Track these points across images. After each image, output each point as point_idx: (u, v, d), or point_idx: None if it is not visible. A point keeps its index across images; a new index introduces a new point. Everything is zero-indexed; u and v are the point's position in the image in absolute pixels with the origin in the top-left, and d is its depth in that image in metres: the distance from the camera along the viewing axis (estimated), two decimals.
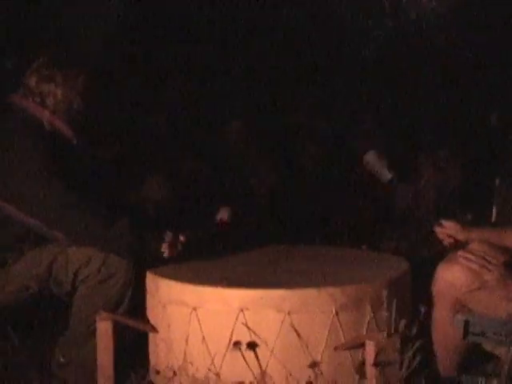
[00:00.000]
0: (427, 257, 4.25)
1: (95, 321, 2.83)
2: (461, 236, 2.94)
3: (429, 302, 2.81)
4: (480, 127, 6.89)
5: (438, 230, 3.00)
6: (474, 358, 2.80)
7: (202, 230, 3.24)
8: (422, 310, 2.65)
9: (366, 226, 5.06)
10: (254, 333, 2.58)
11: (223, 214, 3.34)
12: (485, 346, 2.72)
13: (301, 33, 8.07)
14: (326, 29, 8.56)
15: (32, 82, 2.99)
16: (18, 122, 2.94)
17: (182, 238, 2.95)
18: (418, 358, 2.55)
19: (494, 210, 4.02)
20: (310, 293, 2.60)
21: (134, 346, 2.96)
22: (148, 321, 2.87)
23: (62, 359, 2.97)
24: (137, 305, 2.95)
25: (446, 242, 2.99)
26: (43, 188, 2.81)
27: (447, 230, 2.99)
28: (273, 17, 7.81)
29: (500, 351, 2.67)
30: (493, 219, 3.90)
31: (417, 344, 2.56)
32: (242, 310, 2.58)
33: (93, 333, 2.86)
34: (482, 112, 7.16)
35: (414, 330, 2.59)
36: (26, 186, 2.81)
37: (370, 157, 3.13)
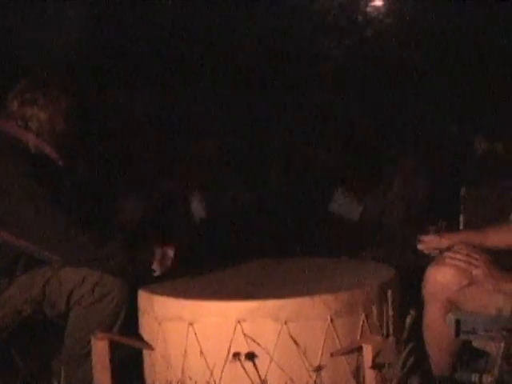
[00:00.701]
0: (404, 265, 4.33)
1: (90, 341, 2.84)
2: (445, 244, 3.02)
3: (415, 305, 2.87)
4: (442, 137, 7.06)
5: (421, 246, 3.09)
6: (467, 355, 2.86)
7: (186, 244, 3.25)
8: (412, 312, 2.71)
9: (340, 238, 5.14)
10: (253, 343, 2.62)
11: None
12: (475, 343, 2.79)
13: (262, 51, 8.20)
14: (287, 47, 8.71)
15: (14, 105, 3.00)
16: (3, 146, 2.95)
17: (170, 254, 2.98)
18: (411, 359, 2.60)
19: (462, 219, 4.10)
20: (305, 301, 2.64)
21: (128, 365, 2.97)
22: (142, 338, 2.89)
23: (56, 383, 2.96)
24: (129, 323, 2.97)
25: (433, 253, 3.07)
26: (34, 211, 2.82)
27: (430, 244, 3.07)
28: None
29: (491, 347, 2.74)
30: (461, 227, 3.98)
31: (409, 346, 2.62)
32: (239, 322, 2.62)
33: (88, 354, 2.87)
34: (442, 122, 7.34)
35: (406, 333, 2.65)
36: (17, 209, 2.82)
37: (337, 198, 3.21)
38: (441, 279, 2.75)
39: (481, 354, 2.83)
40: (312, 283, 2.86)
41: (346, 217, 5.63)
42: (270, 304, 2.63)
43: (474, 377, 2.72)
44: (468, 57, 7.81)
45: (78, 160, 3.17)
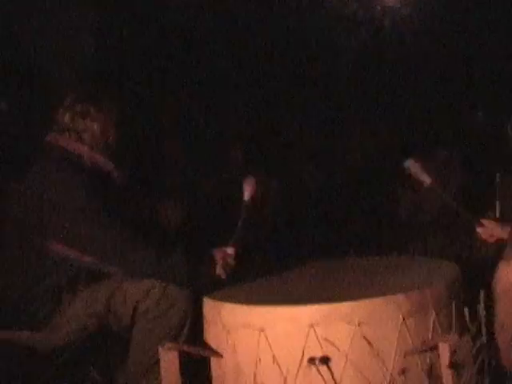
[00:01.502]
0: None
1: (156, 353, 2.81)
2: (503, 233, 2.99)
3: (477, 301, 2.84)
4: (470, 126, 7.02)
5: (480, 230, 3.05)
6: None
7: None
8: (481, 310, 2.69)
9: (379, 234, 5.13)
10: (327, 347, 2.59)
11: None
12: None
13: (284, 49, 8.15)
14: (303, 43, 8.65)
15: (66, 118, 2.98)
16: (59, 161, 2.93)
17: (231, 253, 2.96)
18: (485, 356, 2.58)
19: (498, 206, 4.07)
20: (377, 302, 2.61)
21: (195, 375, 2.95)
22: (210, 347, 2.86)
23: None
24: (194, 332, 2.95)
25: (490, 240, 3.04)
26: (95, 225, 2.80)
27: (489, 229, 3.04)
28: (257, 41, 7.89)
29: None
30: (496, 215, 3.95)
31: (478, 343, 2.59)
32: (312, 326, 2.59)
33: (154, 365, 2.84)
34: (469, 112, 7.30)
35: (474, 330, 2.62)
36: (79, 224, 2.80)
37: (411, 163, 3.18)
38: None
39: None
40: (381, 283, 2.84)
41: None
42: (344, 307, 2.60)
43: None
44: (493, 45, 7.75)
45: (130, 170, 3.14)
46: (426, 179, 3.12)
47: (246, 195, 3.21)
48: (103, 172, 2.99)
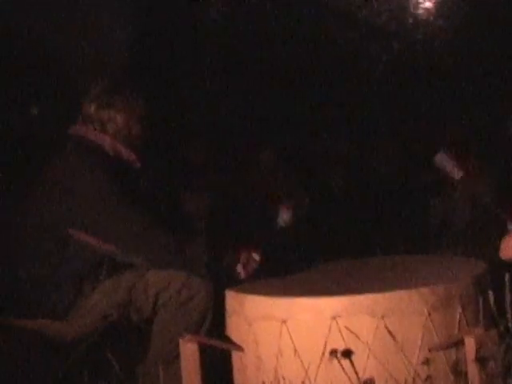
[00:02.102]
0: None
1: (177, 345, 2.78)
2: None
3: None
4: (500, 135, 6.94)
5: None
6: None
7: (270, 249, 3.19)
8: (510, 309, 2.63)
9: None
10: (349, 340, 2.54)
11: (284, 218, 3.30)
12: None
13: (314, 61, 8.15)
14: (335, 54, 8.66)
15: (91, 109, 2.99)
16: (82, 151, 2.93)
17: (256, 258, 2.93)
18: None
19: None
20: (401, 295, 2.56)
21: (216, 368, 2.91)
22: (231, 340, 2.83)
23: None
24: (215, 325, 2.92)
25: None
26: (117, 213, 2.80)
27: None
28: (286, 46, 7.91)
29: None
30: None
31: (506, 339, 2.53)
32: (334, 318, 2.55)
33: (175, 357, 2.81)
34: (499, 121, 7.21)
35: (502, 327, 2.56)
36: (101, 212, 2.79)
37: (441, 157, 3.14)
38: None
39: None
40: (406, 278, 2.80)
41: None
42: (366, 299, 2.56)
43: None
44: None
45: (152, 162, 3.14)
46: (456, 174, 3.06)
47: (282, 221, 3.22)
48: (125, 162, 2.99)
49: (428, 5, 9.04)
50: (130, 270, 2.88)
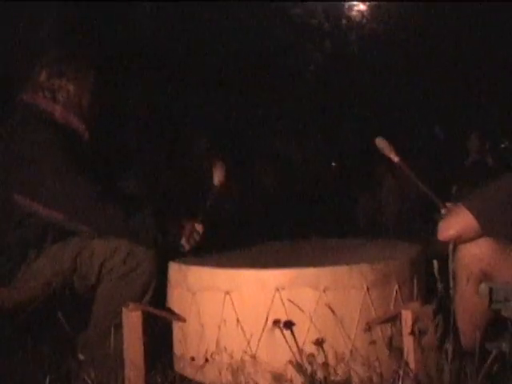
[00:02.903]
0: None
1: (120, 313, 2.81)
2: None
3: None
4: (428, 138, 7.17)
5: (445, 211, 3.12)
6: (497, 327, 2.90)
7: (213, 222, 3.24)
8: (440, 286, 2.74)
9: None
10: (291, 312, 2.62)
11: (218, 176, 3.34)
12: (505, 312, 2.82)
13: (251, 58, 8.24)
14: (269, 52, 8.76)
15: (42, 77, 2.99)
16: (31, 118, 2.93)
17: (199, 229, 2.98)
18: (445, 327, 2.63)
19: None
20: (342, 270, 2.65)
21: (157, 338, 2.95)
22: (173, 311, 2.87)
23: (82, 357, 2.93)
24: (157, 296, 2.96)
25: None
26: (66, 181, 2.80)
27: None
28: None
29: None
30: None
31: (440, 318, 2.65)
32: (278, 290, 2.62)
33: (117, 326, 2.84)
34: (427, 124, 7.45)
35: (435, 304, 2.68)
36: (49, 179, 2.80)
37: (380, 141, 3.26)
38: (475, 251, 2.79)
39: (509, 324, 2.85)
40: (346, 255, 2.89)
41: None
42: (309, 272, 2.63)
43: (505, 347, 2.75)
44: (453, 59, 7.94)
45: (102, 133, 3.15)
46: (395, 157, 3.19)
47: (216, 180, 3.27)
48: (75, 132, 3.00)
49: (362, 7, 9.23)
50: (77, 238, 2.89)
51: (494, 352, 2.51)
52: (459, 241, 2.82)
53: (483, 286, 2.74)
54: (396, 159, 3.20)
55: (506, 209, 2.76)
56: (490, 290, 2.72)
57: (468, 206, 2.81)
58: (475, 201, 2.84)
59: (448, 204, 3.16)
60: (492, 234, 2.79)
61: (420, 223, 4.98)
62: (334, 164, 6.60)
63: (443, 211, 3.15)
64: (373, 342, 2.66)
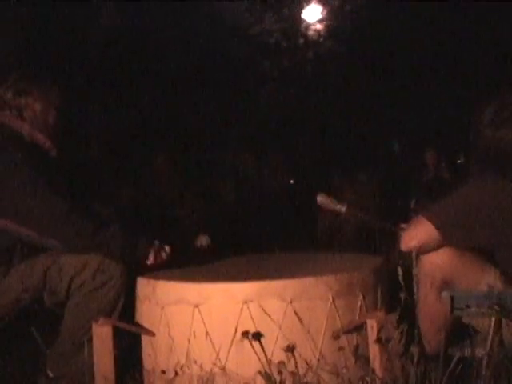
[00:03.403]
0: None
1: (90, 329, 2.84)
2: None
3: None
4: (387, 154, 7.29)
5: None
6: (458, 333, 2.98)
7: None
8: (402, 296, 2.82)
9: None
10: (259, 323, 2.67)
11: (202, 242, 3.45)
12: (466, 319, 2.91)
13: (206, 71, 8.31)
14: (226, 68, 8.84)
15: (8, 95, 3.03)
16: (0, 136, 2.96)
17: (167, 248, 3.03)
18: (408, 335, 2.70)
19: None
20: (308, 281, 2.72)
21: (126, 352, 2.98)
22: (142, 325, 2.91)
23: (51, 374, 2.95)
24: (126, 311, 2.99)
25: None
26: (35, 197, 2.84)
27: None
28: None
29: (480, 323, 2.87)
30: None
31: (404, 325, 2.72)
32: (246, 302, 2.67)
33: (87, 341, 2.86)
34: (386, 139, 7.59)
35: (398, 313, 2.75)
36: (17, 196, 2.83)
37: (321, 197, 3.30)
38: (436, 260, 2.87)
39: (471, 331, 2.94)
40: (312, 267, 2.96)
41: None
42: (276, 284, 2.70)
43: (467, 352, 2.83)
44: (409, 76, 8.10)
45: (69, 150, 3.20)
46: (341, 208, 3.25)
47: (199, 244, 3.35)
48: (42, 149, 3.04)
49: (319, 27, 9.36)
50: (46, 254, 2.92)
51: (457, 356, 2.57)
52: (421, 251, 2.90)
53: (445, 294, 2.81)
54: (343, 209, 3.25)
55: (466, 218, 2.85)
56: (452, 298, 2.80)
57: (428, 217, 2.90)
58: (435, 211, 2.92)
59: (402, 225, 3.24)
60: (452, 243, 2.87)
61: (379, 238, 5.07)
62: (291, 181, 6.67)
63: (403, 226, 3.22)
64: (340, 349, 2.72)
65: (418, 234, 2.90)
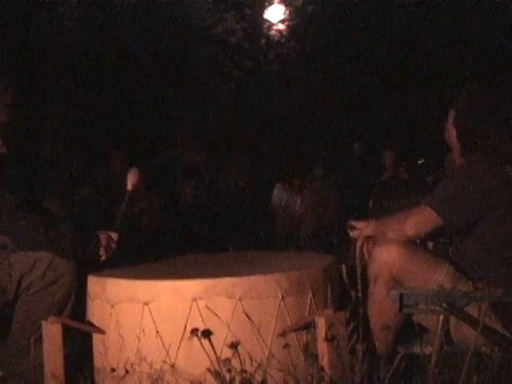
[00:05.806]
0: None
1: (40, 327, 2.83)
2: (369, 231, 3.19)
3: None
4: (347, 154, 7.33)
5: (352, 231, 3.23)
6: (408, 331, 3.02)
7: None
8: (353, 294, 2.85)
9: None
10: (208, 321, 2.68)
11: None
12: (415, 317, 2.95)
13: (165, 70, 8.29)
14: (190, 69, 8.83)
15: None
16: None
17: (114, 237, 3.02)
18: (358, 333, 2.73)
19: None
20: (258, 279, 2.73)
21: (77, 351, 2.98)
22: (93, 323, 2.90)
23: (1, 373, 2.94)
24: (76, 310, 2.99)
25: (360, 237, 3.22)
26: None
27: (359, 228, 3.23)
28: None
29: (430, 321, 2.91)
30: None
31: (353, 323, 2.75)
32: (195, 300, 2.68)
33: (37, 340, 2.85)
34: (346, 140, 7.63)
35: (348, 311, 2.78)
36: None
37: (278, 190, 3.33)
38: (386, 258, 2.90)
39: (420, 330, 2.98)
40: (261, 265, 2.98)
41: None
42: (225, 282, 2.71)
43: (416, 349, 2.87)
44: (371, 77, 8.15)
45: (20, 147, 3.18)
46: (297, 204, 3.32)
47: (129, 184, 3.31)
48: None
49: (281, 27, 9.39)
50: None
51: (401, 353, 2.60)
52: (424, 237, 3.03)
53: (394, 292, 2.85)
54: (297, 207, 3.30)
55: (462, 201, 2.92)
56: (401, 296, 2.84)
57: (430, 204, 2.96)
58: (435, 199, 2.99)
59: (352, 222, 3.27)
60: (453, 227, 2.98)
61: (336, 238, 5.10)
62: (245, 178, 6.70)
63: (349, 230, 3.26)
64: (289, 346, 2.74)
65: (420, 221, 2.97)
